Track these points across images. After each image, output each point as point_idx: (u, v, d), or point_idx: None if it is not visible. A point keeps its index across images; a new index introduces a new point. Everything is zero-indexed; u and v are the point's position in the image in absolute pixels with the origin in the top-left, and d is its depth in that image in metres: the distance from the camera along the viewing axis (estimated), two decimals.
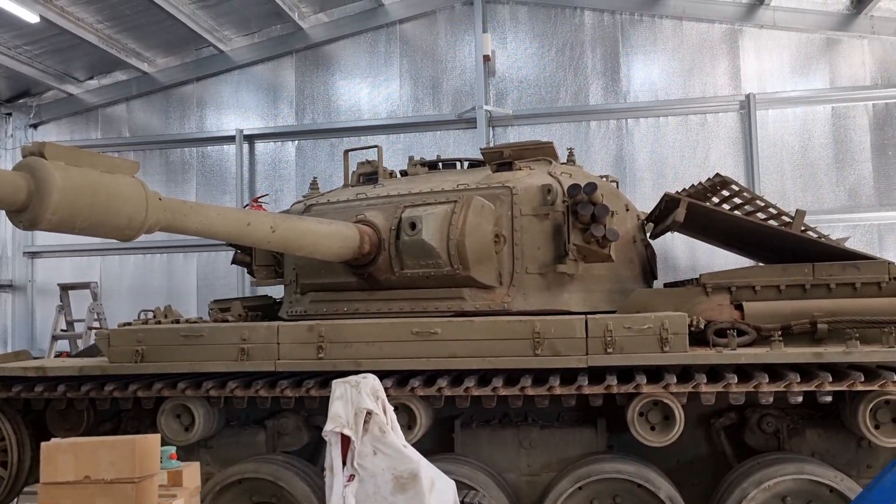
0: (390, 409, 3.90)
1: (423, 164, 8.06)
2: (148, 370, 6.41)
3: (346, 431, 3.70)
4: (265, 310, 8.07)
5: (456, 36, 12.83)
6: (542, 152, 7.31)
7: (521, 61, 12.53)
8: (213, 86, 13.87)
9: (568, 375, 5.72)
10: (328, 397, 5.93)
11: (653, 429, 5.68)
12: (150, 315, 7.64)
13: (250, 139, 13.59)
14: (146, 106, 14.11)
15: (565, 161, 7.75)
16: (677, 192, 7.13)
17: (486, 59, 12.35)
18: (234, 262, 8.39)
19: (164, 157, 13.92)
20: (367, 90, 13.17)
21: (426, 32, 12.98)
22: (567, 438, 6.30)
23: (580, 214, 6.05)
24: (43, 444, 4.20)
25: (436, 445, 6.39)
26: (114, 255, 13.87)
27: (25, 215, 3.85)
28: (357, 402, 3.71)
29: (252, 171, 13.58)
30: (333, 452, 3.80)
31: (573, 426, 6.33)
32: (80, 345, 11.91)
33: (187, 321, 7.48)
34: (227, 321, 7.18)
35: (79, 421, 7.10)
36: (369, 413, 3.73)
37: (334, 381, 3.98)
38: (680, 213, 6.52)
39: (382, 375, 5.46)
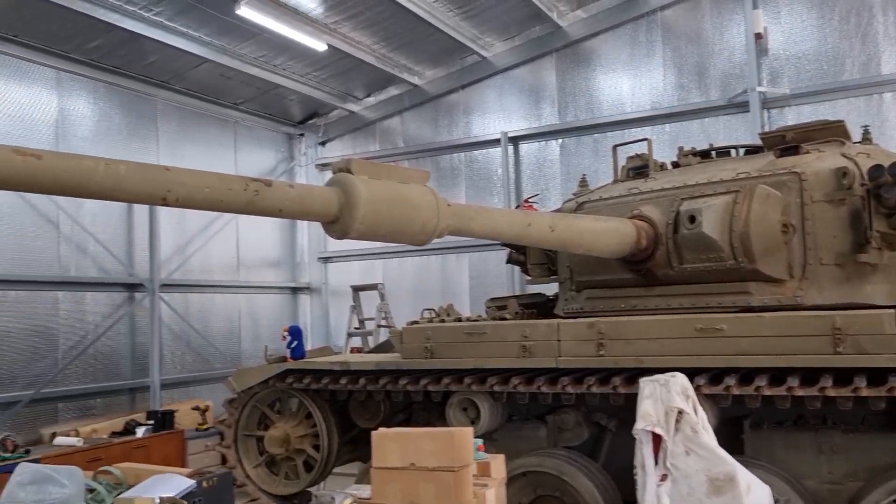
0: (701, 408, 3.80)
1: (695, 153, 7.76)
2: (436, 365, 6.83)
3: (658, 430, 3.66)
4: (539, 307, 8.22)
5: (722, 16, 12.20)
6: (831, 133, 6.72)
7: (798, 35, 11.60)
8: (477, 92, 14.41)
9: (876, 375, 5.21)
10: (608, 394, 6.00)
11: None
12: (433, 314, 8.11)
13: (515, 141, 13.94)
14: (417, 116, 15.02)
15: (859, 140, 7.06)
16: None
17: (758, 37, 11.58)
18: (508, 261, 8.64)
19: (435, 163, 14.71)
20: (629, 82, 12.95)
21: (689, 16, 12.48)
22: (874, 445, 5.73)
23: (884, 198, 5.49)
24: (373, 432, 4.66)
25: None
26: (394, 258, 14.92)
27: (337, 226, 4.27)
28: (667, 400, 3.66)
29: (517, 171, 13.93)
30: (645, 451, 3.77)
31: (882, 431, 5.74)
32: (371, 341, 12.95)
33: (468, 319, 7.84)
34: (504, 319, 7.43)
35: (376, 411, 7.75)
36: (680, 412, 3.66)
37: (642, 380, 3.96)
38: None
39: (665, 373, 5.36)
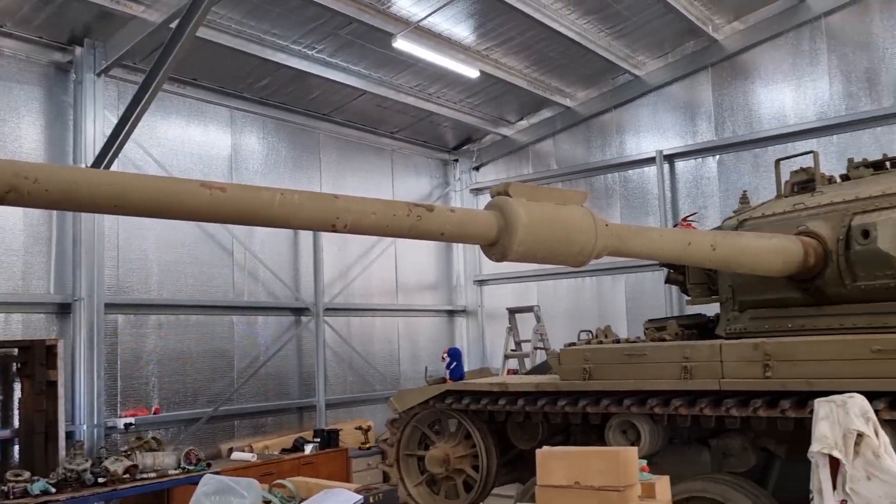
0: (882, 432, 3.61)
1: (867, 165, 7.35)
2: (595, 387, 6.81)
3: (835, 453, 3.50)
4: (699, 328, 8.00)
5: (894, 17, 11.48)
6: None
7: None
8: (629, 111, 14.27)
9: None
10: (776, 418, 5.77)
11: None
12: (591, 335, 8.09)
13: (670, 159, 13.66)
14: (570, 138, 15.04)
15: None
16: None
17: None
18: (667, 281, 8.48)
19: (589, 184, 14.64)
20: (791, 94, 12.41)
21: (857, 20, 11.82)
22: None
23: None
24: (538, 451, 4.74)
25: None
26: (549, 279, 14.94)
27: (497, 248, 4.41)
28: (845, 422, 3.50)
29: (673, 190, 13.63)
30: (822, 475, 3.61)
31: None
32: (527, 363, 13.02)
33: (626, 340, 7.76)
34: (664, 340, 7.30)
35: (534, 433, 7.79)
36: (860, 435, 3.49)
37: (817, 401, 3.81)
38: None
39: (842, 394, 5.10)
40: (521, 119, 15.48)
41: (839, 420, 3.51)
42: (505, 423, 7.92)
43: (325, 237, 13.05)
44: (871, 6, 11.68)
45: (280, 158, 13.07)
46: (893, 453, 3.60)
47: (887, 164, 7.29)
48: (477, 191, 16.12)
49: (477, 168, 16.34)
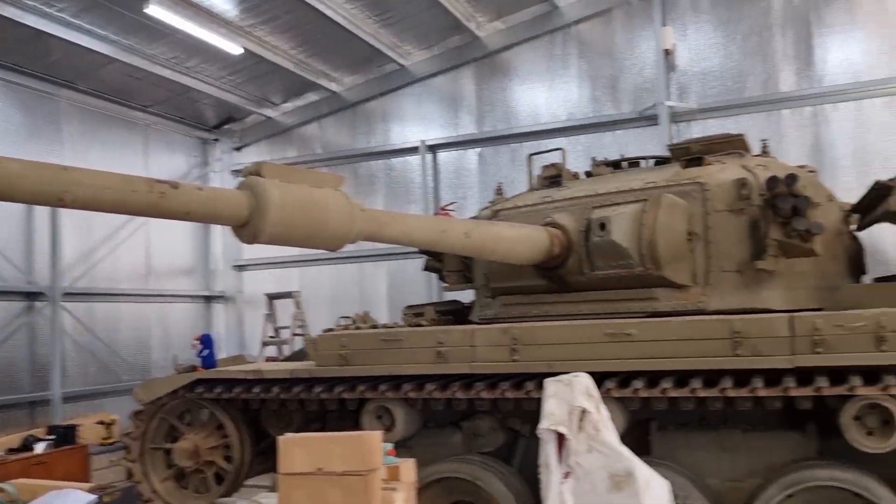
0: (604, 407, 3.91)
1: (608, 164, 7.99)
2: (351, 373, 6.80)
3: (561, 429, 3.75)
4: (456, 314, 8.29)
5: (633, 32, 12.58)
6: (732, 145, 7.03)
7: (704, 52, 12.06)
8: (395, 100, 14.42)
9: (771, 377, 5.46)
10: (522, 399, 6.09)
11: (870, 434, 5.30)
12: (349, 321, 8.07)
13: (433, 149, 14.00)
14: (336, 123, 14.92)
15: (758, 153, 7.40)
16: (890, 179, 6.60)
17: (667, 53, 11.99)
18: (425, 268, 8.69)
19: (353, 170, 14.63)
20: (545, 94, 13.19)
21: (603, 31, 12.81)
22: (772, 443, 6.01)
23: (780, 208, 5.77)
24: (280, 437, 4.59)
25: (632, 448, 6.25)
26: (311, 266, 14.75)
27: (248, 230, 4.23)
28: (571, 400, 3.76)
29: (436, 180, 13.98)
30: (549, 450, 3.86)
31: (778, 430, 6.02)
32: (286, 350, 12.76)
33: (384, 326, 7.84)
34: (421, 325, 7.46)
35: (290, 421, 7.64)
36: (584, 411, 3.76)
37: (546, 380, 4.05)
38: (893, 202, 6.05)
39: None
40: (287, 101, 15.09)
41: (565, 398, 3.77)
42: (259, 411, 7.70)
43: (66, 213, 11.82)
44: (614, 19, 12.71)
45: (11, 126, 11.68)
46: (613, 427, 3.92)
47: (624, 163, 7.96)
48: (238, 172, 15.48)
49: (239, 149, 15.72)
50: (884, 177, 6.99)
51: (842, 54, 11.24)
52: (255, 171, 4.27)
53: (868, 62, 11.08)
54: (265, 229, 4.16)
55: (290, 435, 4.58)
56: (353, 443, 4.34)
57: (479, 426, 6.91)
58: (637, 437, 6.32)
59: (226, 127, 15.61)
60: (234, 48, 12.12)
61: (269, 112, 15.16)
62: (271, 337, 13.16)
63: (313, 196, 4.37)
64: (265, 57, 12.76)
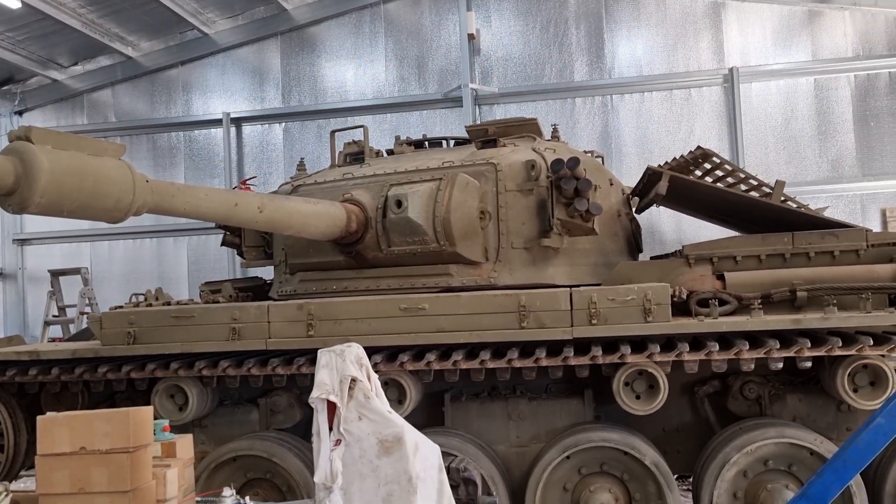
0: (374, 376, 4.00)
1: (410, 143, 8.10)
2: (140, 352, 6.49)
3: (332, 398, 3.81)
4: (255, 291, 8.14)
5: (440, 15, 12.84)
6: (526, 129, 7.38)
7: (506, 39, 12.55)
8: (198, 69, 13.85)
9: (554, 348, 5.83)
10: None
11: (638, 398, 5.80)
12: (142, 298, 7.71)
13: (237, 122, 13.61)
14: (132, 90, 14.09)
15: (550, 137, 7.82)
16: (660, 165, 7.22)
17: (471, 37, 12.37)
18: (223, 243, 8.44)
19: (152, 141, 13.92)
20: (352, 71, 13.18)
21: (410, 12, 12.98)
22: (555, 410, 6.42)
23: (563, 189, 6.13)
24: (39, 417, 4.28)
25: (426, 419, 6.49)
26: (104, 240, 13.90)
27: (14, 199, 3.91)
28: (342, 369, 3.82)
29: (240, 154, 13.60)
30: (320, 418, 3.92)
31: (560, 398, 6.44)
32: (73, 330, 11.97)
33: (178, 303, 7.55)
34: (217, 302, 7.25)
35: (73, 403, 7.17)
36: (354, 380, 3.84)
37: (320, 351, 4.08)
38: (662, 186, 6.62)
39: (372, 351, 5.57)
40: (76, 64, 14.05)
41: (337, 367, 3.85)
42: (39, 394, 7.17)
43: None
44: (422, 1, 12.91)
45: None
46: (383, 395, 4.05)
47: (426, 143, 8.12)
48: None
49: (20, 113, 14.45)
50: (661, 163, 7.65)
51: (628, 49, 12.12)
52: (23, 135, 3.95)
53: (649, 58, 12.02)
54: (34, 199, 3.87)
55: (51, 414, 4.30)
56: (119, 419, 4.13)
57: (277, 402, 6.83)
58: (431, 410, 6.57)
59: (5, 88, 14.26)
60: (13, 1, 11.09)
61: (56, 74, 14.04)
62: (55, 316, 12.29)
63: (90, 165, 4.10)
64: (49, 14, 11.78)
